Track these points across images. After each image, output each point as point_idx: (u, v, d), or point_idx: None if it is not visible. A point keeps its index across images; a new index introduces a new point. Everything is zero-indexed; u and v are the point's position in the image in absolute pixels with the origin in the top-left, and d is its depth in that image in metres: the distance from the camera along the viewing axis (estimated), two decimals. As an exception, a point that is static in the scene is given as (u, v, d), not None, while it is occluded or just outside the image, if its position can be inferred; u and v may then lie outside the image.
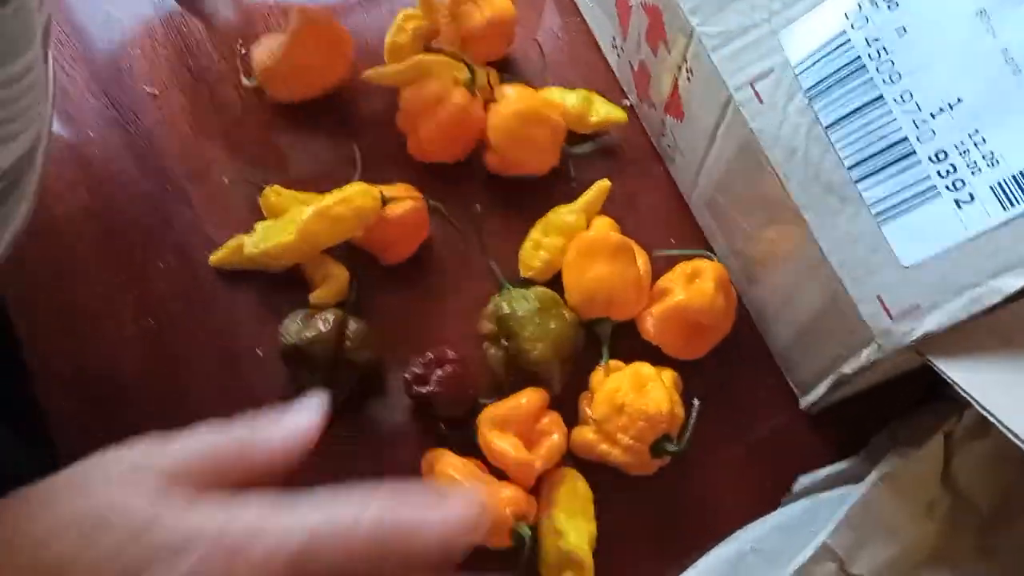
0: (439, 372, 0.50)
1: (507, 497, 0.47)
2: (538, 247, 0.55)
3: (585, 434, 0.50)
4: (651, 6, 0.51)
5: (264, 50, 0.57)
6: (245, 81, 0.59)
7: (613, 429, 0.48)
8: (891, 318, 0.41)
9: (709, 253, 0.54)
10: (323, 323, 0.49)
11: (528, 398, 0.50)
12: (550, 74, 0.62)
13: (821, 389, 0.49)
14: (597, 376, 0.51)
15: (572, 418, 0.51)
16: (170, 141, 0.59)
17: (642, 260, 0.54)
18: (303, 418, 0.35)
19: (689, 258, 0.54)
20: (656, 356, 0.53)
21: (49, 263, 0.56)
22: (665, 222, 0.59)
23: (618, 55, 0.60)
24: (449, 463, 0.48)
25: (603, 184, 0.56)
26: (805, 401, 0.52)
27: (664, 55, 0.52)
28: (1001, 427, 0.38)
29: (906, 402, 0.52)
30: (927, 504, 0.47)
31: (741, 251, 0.53)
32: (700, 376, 0.53)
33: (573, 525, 0.48)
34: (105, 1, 0.62)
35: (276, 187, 0.55)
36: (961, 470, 0.48)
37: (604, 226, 0.55)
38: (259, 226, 0.54)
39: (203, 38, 0.62)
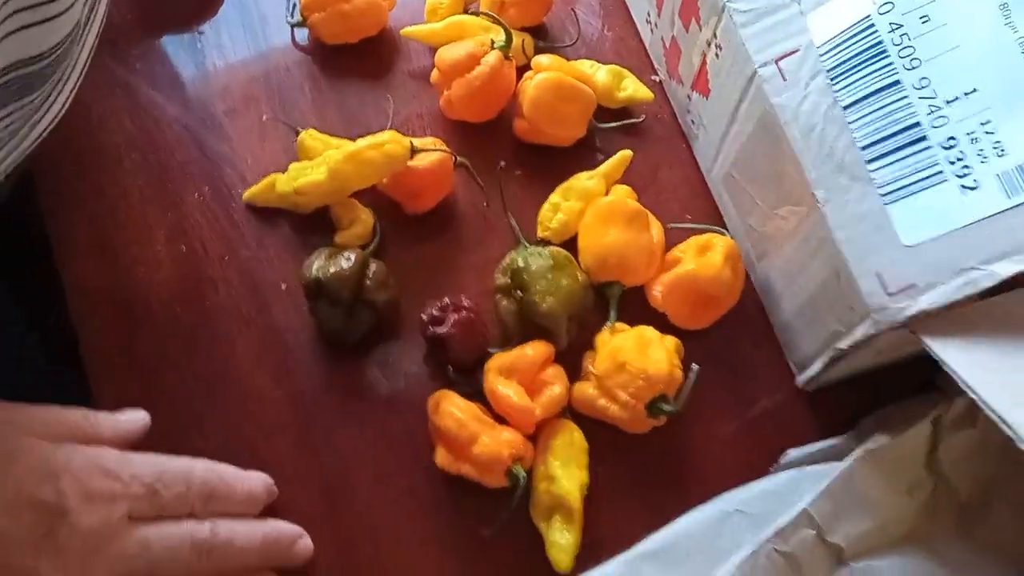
0: (454, 316, 0.52)
1: (506, 440, 0.49)
2: (556, 209, 0.57)
3: (586, 389, 0.52)
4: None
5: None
6: (290, 19, 0.61)
7: (613, 385, 0.50)
8: (888, 295, 0.42)
9: (722, 229, 0.56)
10: (345, 260, 0.52)
11: (534, 349, 0.52)
12: (584, 45, 0.64)
13: (817, 366, 0.51)
14: (603, 336, 0.53)
15: (577, 375, 0.53)
16: (214, 77, 0.62)
17: (656, 230, 0.56)
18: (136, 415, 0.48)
19: (702, 232, 0.56)
20: (662, 323, 0.54)
21: (90, 186, 0.58)
22: (684, 197, 0.60)
23: (652, 31, 0.62)
24: (454, 403, 0.51)
25: (625, 154, 0.58)
26: (801, 378, 0.54)
27: (695, 31, 0.54)
28: (985, 408, 0.39)
29: (901, 391, 0.53)
30: (909, 484, 0.49)
31: (753, 227, 0.55)
32: (703, 346, 0.55)
33: (566, 472, 0.50)
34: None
35: (312, 131, 0.58)
36: (946, 456, 0.50)
37: (622, 193, 0.56)
38: (293, 166, 0.56)
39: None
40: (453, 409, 0.50)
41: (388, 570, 0.50)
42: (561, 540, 0.49)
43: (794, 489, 0.49)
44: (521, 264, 0.53)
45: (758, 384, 0.56)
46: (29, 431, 0.40)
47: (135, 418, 0.47)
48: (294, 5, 0.61)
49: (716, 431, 0.55)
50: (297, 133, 0.58)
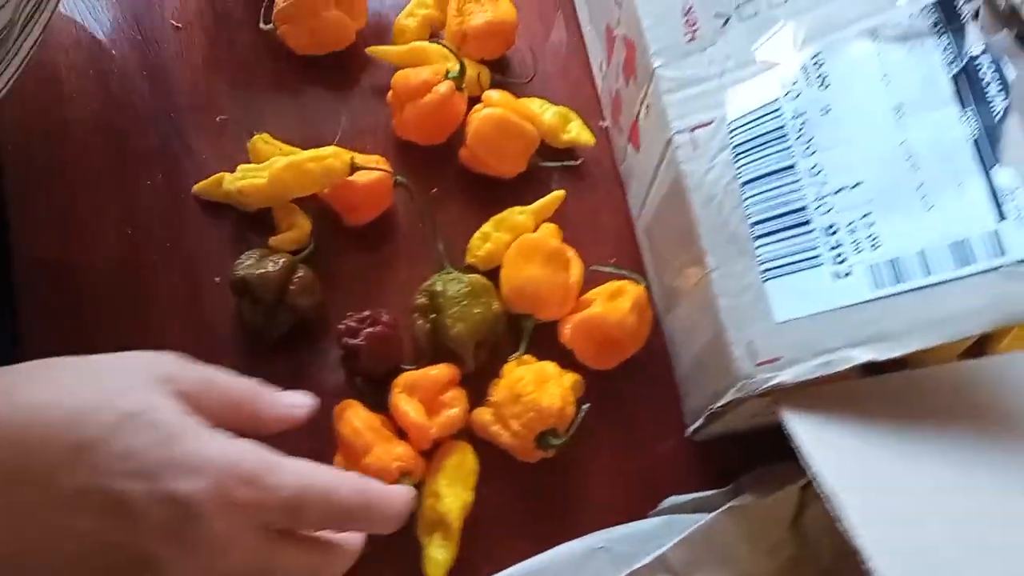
0: (369, 329, 0.55)
1: (397, 454, 0.52)
2: (486, 239, 0.59)
3: (484, 414, 0.54)
4: (629, 40, 0.55)
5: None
6: (262, 24, 0.64)
7: (507, 414, 0.53)
8: (756, 365, 0.45)
9: (639, 277, 0.58)
10: (273, 264, 0.55)
11: (439, 371, 0.55)
12: (541, 84, 0.66)
13: (700, 420, 0.53)
14: (509, 366, 0.56)
15: (483, 399, 0.56)
16: (182, 73, 0.65)
17: (576, 270, 0.58)
18: (305, 400, 0.44)
19: (620, 278, 0.58)
20: (570, 360, 0.57)
21: (53, 161, 0.61)
22: (613, 241, 0.63)
23: (603, 78, 0.65)
24: (356, 413, 0.53)
25: (558, 194, 0.60)
26: (690, 429, 0.56)
27: (633, 87, 0.56)
28: (817, 484, 0.41)
29: (781, 453, 0.56)
30: (771, 544, 0.51)
31: (664, 280, 0.57)
32: (606, 386, 0.57)
33: (451, 491, 0.53)
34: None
35: (265, 135, 0.61)
36: (811, 522, 0.52)
37: (546, 231, 0.59)
38: (241, 167, 0.59)
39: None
40: (353, 418, 0.53)
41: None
42: (437, 556, 0.52)
43: (661, 534, 0.52)
44: (439, 288, 0.56)
45: (652, 429, 0.58)
46: (187, 395, 0.38)
47: (301, 404, 0.44)
48: (266, 9, 0.63)
49: (605, 469, 0.57)
50: (251, 135, 0.60)
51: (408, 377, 0.54)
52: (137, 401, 0.36)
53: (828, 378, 0.44)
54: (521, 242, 0.58)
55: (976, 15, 0.45)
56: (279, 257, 0.55)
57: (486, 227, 0.60)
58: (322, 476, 0.39)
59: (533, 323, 0.57)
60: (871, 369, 0.51)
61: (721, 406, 0.48)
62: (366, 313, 0.56)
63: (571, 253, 0.59)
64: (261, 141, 0.60)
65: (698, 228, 0.48)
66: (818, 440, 0.43)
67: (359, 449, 0.52)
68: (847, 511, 0.40)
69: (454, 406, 0.54)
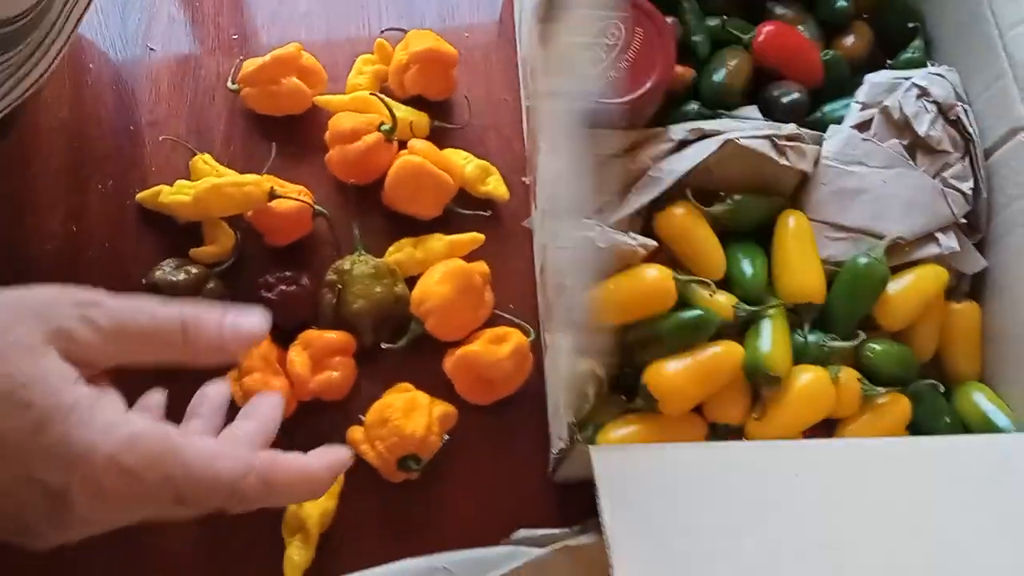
0: (284, 287, 0.60)
1: (273, 384, 0.57)
2: (400, 248, 0.64)
3: (356, 432, 0.59)
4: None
5: (251, 63, 0.68)
6: (230, 84, 0.70)
7: (374, 436, 0.57)
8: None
9: (528, 327, 0.63)
10: (186, 273, 0.60)
11: (336, 336, 0.60)
12: (477, 135, 0.71)
13: (552, 463, 0.57)
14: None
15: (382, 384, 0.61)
16: (147, 92, 0.71)
17: (484, 311, 0.63)
18: (252, 321, 0.39)
19: (512, 324, 0.63)
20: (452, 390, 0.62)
21: (18, 157, 0.68)
22: (517, 289, 0.67)
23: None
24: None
25: (478, 236, 0.65)
26: (551, 470, 0.60)
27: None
28: (606, 540, 0.45)
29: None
30: (599, 585, 0.55)
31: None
32: (483, 419, 0.62)
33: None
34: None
35: (207, 156, 0.67)
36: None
37: (479, 266, 0.63)
38: (179, 183, 0.65)
39: (214, 27, 0.74)
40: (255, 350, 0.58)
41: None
42: (295, 557, 0.56)
43: (503, 562, 0.56)
44: (347, 267, 0.61)
45: (519, 466, 0.62)
46: (85, 346, 0.34)
47: (252, 324, 0.39)
48: (235, 70, 0.70)
49: (467, 497, 0.61)
50: (194, 155, 0.66)
51: (308, 335, 0.60)
52: (9, 375, 0.33)
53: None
54: (452, 263, 0.62)
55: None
56: (194, 268, 0.61)
57: (405, 240, 0.65)
58: (216, 467, 0.35)
59: (421, 329, 0.61)
60: (716, 434, 0.56)
61: (558, 452, 0.52)
62: (287, 274, 0.62)
63: (488, 295, 0.63)
64: (201, 161, 0.66)
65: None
66: (617, 495, 0.47)
67: (244, 369, 0.57)
68: (617, 560, 0.44)
69: (337, 370, 0.59)
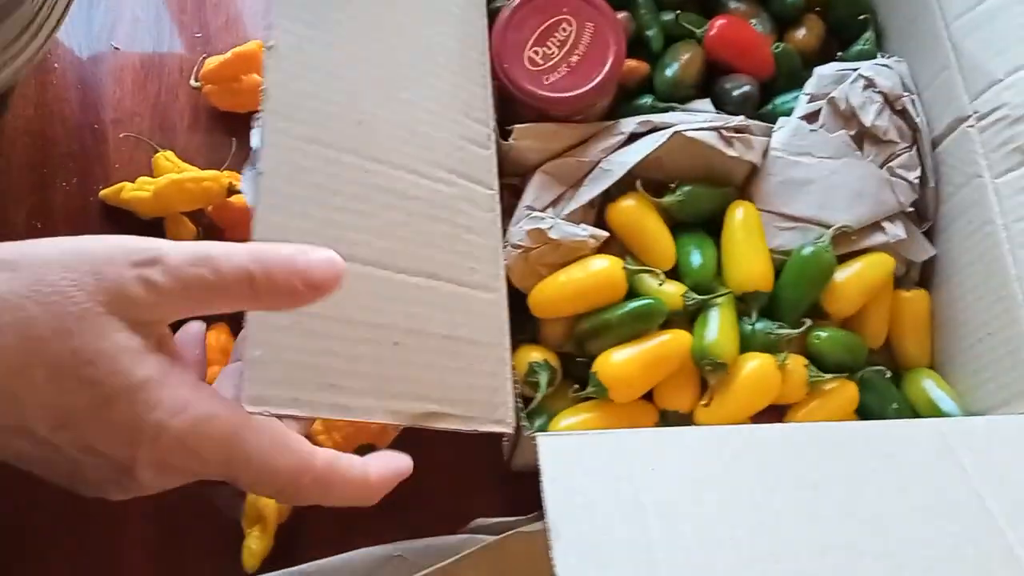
0: None
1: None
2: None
3: (316, 422, 0.60)
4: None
5: (213, 61, 0.69)
6: (192, 82, 0.71)
7: (332, 425, 0.59)
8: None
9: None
10: (146, 268, 0.61)
11: None
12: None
13: (505, 452, 0.59)
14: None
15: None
16: (112, 90, 0.72)
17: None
18: (322, 257, 0.35)
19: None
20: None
21: (-17, 154, 0.69)
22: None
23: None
24: (218, 334, 0.61)
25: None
26: (505, 458, 0.62)
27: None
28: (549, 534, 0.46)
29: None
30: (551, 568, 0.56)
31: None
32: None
33: (273, 488, 0.58)
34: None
35: (169, 153, 0.68)
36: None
37: None
38: (140, 179, 0.66)
39: (178, 25, 0.75)
40: (214, 336, 0.61)
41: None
42: (253, 546, 0.58)
43: (455, 550, 0.57)
44: None
45: (477, 454, 0.63)
46: (157, 308, 0.33)
47: (322, 262, 0.35)
48: (198, 68, 0.71)
49: (429, 487, 0.62)
50: (156, 152, 0.67)
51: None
52: (73, 352, 0.31)
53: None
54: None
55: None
56: (154, 262, 0.62)
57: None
58: (275, 464, 0.36)
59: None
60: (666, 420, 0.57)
61: (506, 440, 0.54)
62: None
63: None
64: (163, 158, 0.67)
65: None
66: (560, 482, 0.48)
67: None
68: (557, 545, 0.45)
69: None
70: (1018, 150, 0.59)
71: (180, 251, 0.34)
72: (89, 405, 0.32)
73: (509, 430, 0.51)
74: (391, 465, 0.40)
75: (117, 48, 0.74)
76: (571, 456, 0.50)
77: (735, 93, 0.67)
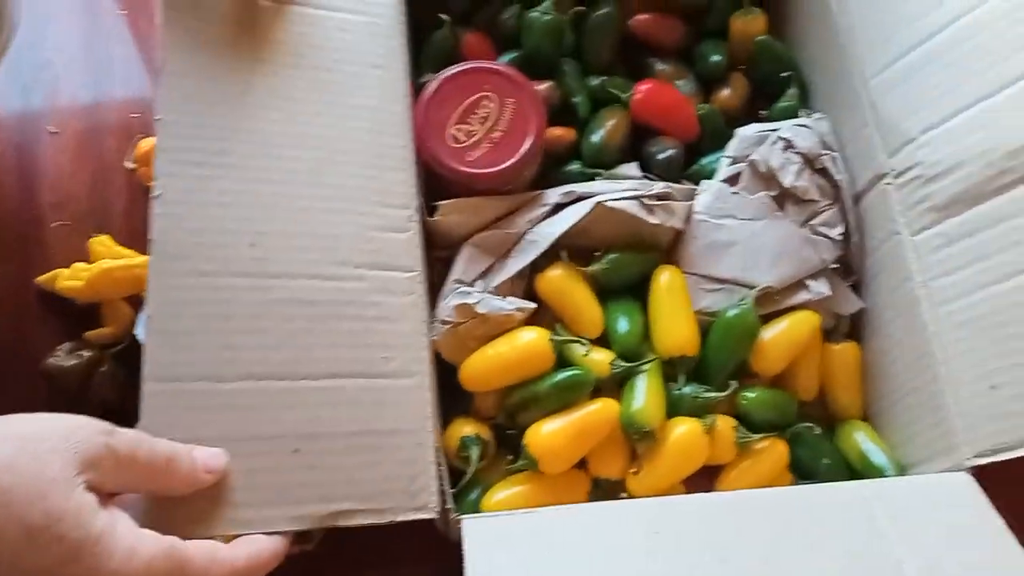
0: None
1: None
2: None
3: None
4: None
5: (148, 142, 0.71)
6: (127, 163, 0.72)
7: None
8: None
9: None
10: (79, 358, 0.62)
11: None
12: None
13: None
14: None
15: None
16: (49, 173, 0.73)
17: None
18: (216, 464, 0.45)
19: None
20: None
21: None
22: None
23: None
24: None
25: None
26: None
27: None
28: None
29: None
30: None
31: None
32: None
33: None
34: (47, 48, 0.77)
35: (104, 238, 0.69)
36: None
37: None
38: (75, 266, 0.67)
39: (116, 107, 0.76)
40: None
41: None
42: None
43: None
44: None
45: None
46: (105, 478, 0.40)
47: (213, 469, 0.45)
48: (133, 150, 0.72)
49: (367, 562, 0.63)
50: (91, 236, 0.68)
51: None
52: (45, 512, 0.37)
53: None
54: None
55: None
56: (87, 352, 0.63)
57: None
58: (217, 567, 0.42)
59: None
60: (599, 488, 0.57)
61: (434, 520, 0.54)
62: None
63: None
64: (98, 243, 0.68)
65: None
66: (482, 566, 0.48)
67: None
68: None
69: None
70: (933, 208, 0.60)
71: (125, 430, 0.43)
72: (55, 559, 0.37)
73: (432, 515, 0.52)
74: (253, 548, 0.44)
75: (55, 132, 0.75)
76: (494, 538, 0.50)
77: (660, 157, 0.68)
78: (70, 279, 0.65)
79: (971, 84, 0.58)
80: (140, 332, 0.48)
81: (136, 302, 0.67)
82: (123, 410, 0.63)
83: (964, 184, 0.57)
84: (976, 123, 0.57)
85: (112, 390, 0.63)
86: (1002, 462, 0.54)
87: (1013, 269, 0.54)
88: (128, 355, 0.65)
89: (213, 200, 0.50)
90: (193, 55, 0.52)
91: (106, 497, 0.41)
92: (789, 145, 0.65)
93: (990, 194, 0.56)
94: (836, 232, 0.65)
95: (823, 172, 0.66)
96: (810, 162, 0.65)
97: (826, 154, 0.66)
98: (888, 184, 0.63)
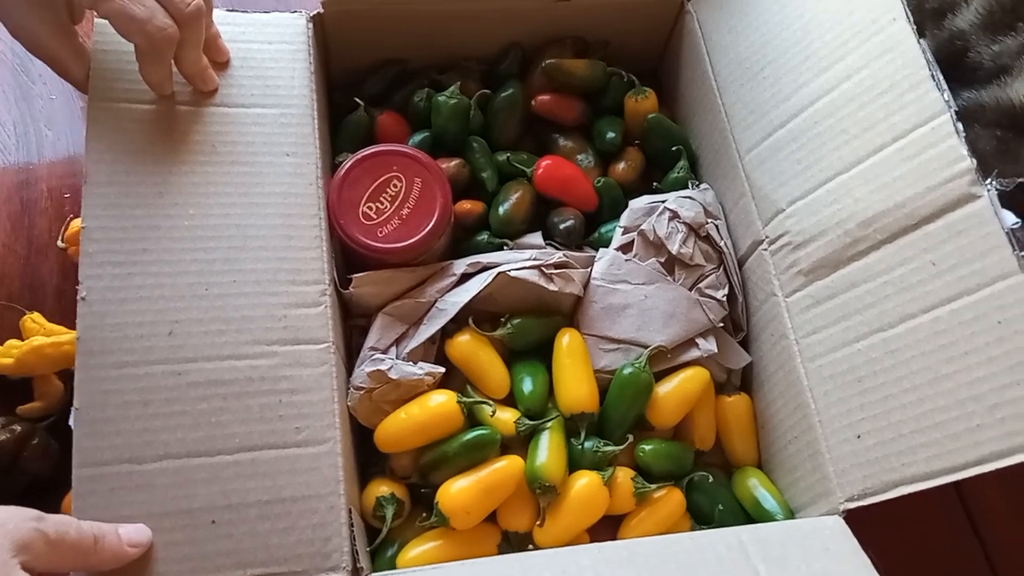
0: None
1: None
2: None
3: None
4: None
5: (78, 222, 0.74)
6: (59, 243, 0.76)
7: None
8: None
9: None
10: (10, 433, 0.65)
11: None
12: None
13: None
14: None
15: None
16: (-18, 255, 0.76)
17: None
18: (140, 539, 0.50)
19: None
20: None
21: None
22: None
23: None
24: None
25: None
26: None
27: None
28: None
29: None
30: None
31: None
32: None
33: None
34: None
35: (36, 315, 0.72)
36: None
37: None
38: (8, 343, 0.70)
39: (47, 187, 0.80)
40: None
41: None
42: None
43: None
44: None
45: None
46: (38, 559, 0.44)
47: (136, 544, 0.50)
48: (64, 230, 0.76)
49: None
50: (23, 315, 0.72)
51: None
52: None
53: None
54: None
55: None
56: (18, 426, 0.65)
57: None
58: None
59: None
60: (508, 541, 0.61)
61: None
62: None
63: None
64: (30, 320, 0.71)
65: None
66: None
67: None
68: None
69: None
70: (801, 273, 0.66)
71: (52, 515, 0.47)
72: None
73: (344, 575, 0.56)
74: None
75: (-12, 212, 0.78)
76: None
77: (561, 227, 0.73)
78: (2, 356, 0.68)
79: (829, 160, 0.64)
80: (72, 422, 0.52)
81: (67, 376, 0.70)
82: (52, 482, 0.67)
83: (825, 251, 0.64)
84: (833, 196, 0.64)
85: (43, 463, 0.66)
86: (875, 504, 0.60)
87: (868, 329, 0.60)
88: (59, 428, 0.68)
89: (133, 296, 0.54)
90: (114, 164, 0.57)
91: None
92: (675, 215, 0.71)
93: (847, 260, 0.62)
94: (720, 294, 0.71)
95: (707, 239, 0.72)
96: (695, 230, 0.71)
97: (709, 222, 0.72)
98: (764, 250, 0.69)
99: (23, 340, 0.70)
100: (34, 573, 0.44)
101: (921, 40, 0.60)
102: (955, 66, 0.70)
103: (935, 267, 0.58)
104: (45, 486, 0.68)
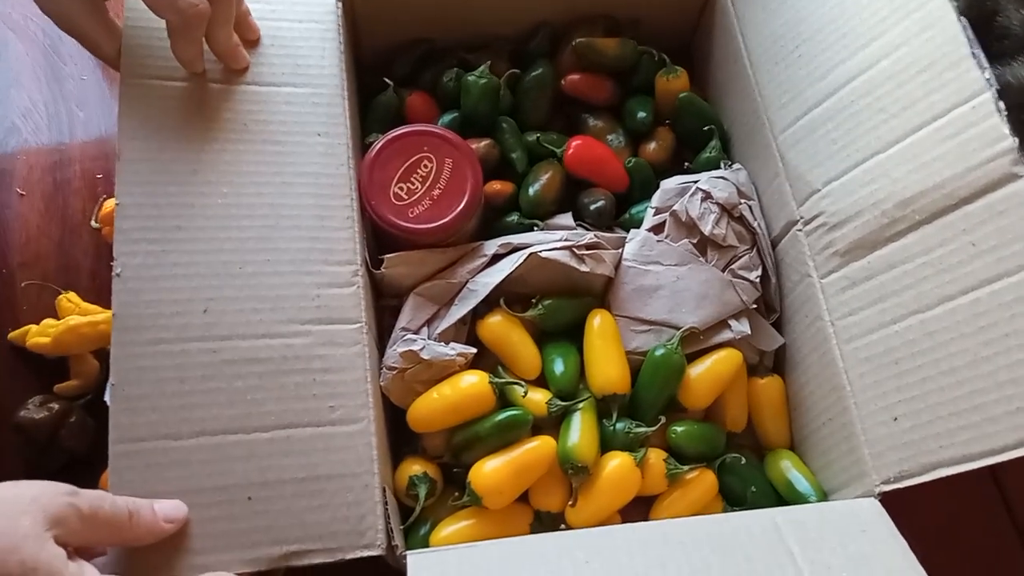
0: None
1: None
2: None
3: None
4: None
5: (112, 203, 0.75)
6: (93, 223, 0.77)
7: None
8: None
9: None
10: (48, 411, 0.66)
11: None
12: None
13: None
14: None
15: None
16: (18, 234, 0.77)
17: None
18: (176, 514, 0.50)
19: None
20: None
21: None
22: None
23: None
24: None
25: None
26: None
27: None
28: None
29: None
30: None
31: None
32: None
33: None
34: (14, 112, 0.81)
35: (71, 294, 0.73)
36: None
37: None
38: (45, 322, 0.71)
39: (80, 168, 0.80)
40: None
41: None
42: None
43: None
44: None
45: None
46: (72, 533, 0.44)
47: (172, 519, 0.50)
48: (98, 209, 0.76)
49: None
50: (59, 294, 0.72)
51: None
52: (21, 562, 0.42)
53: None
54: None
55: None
56: (56, 404, 0.66)
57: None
58: None
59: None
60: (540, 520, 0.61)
61: (380, 555, 0.58)
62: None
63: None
64: (65, 300, 0.72)
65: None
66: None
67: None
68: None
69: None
70: (837, 254, 0.65)
71: (87, 491, 0.47)
72: None
73: (379, 552, 0.56)
74: None
75: (22, 194, 0.79)
76: (437, 571, 0.55)
77: (592, 207, 0.73)
78: (39, 335, 0.69)
79: (866, 140, 0.63)
80: (107, 398, 0.52)
81: (102, 355, 0.71)
82: (89, 459, 0.68)
83: (862, 232, 0.63)
84: (870, 176, 0.63)
85: (80, 440, 0.67)
86: (911, 487, 0.59)
87: (905, 311, 0.60)
88: (96, 406, 0.69)
89: (168, 273, 0.55)
90: (147, 141, 0.57)
91: (73, 552, 0.45)
92: (707, 196, 0.70)
93: (884, 241, 0.62)
94: (754, 275, 0.70)
95: (740, 219, 0.71)
96: (728, 211, 0.71)
97: (743, 203, 0.71)
98: (799, 231, 0.68)
99: (59, 320, 0.71)
100: (68, 547, 0.44)
101: (962, 17, 0.58)
102: (982, 30, 0.68)
103: (974, 248, 0.57)
104: (82, 464, 0.69)
